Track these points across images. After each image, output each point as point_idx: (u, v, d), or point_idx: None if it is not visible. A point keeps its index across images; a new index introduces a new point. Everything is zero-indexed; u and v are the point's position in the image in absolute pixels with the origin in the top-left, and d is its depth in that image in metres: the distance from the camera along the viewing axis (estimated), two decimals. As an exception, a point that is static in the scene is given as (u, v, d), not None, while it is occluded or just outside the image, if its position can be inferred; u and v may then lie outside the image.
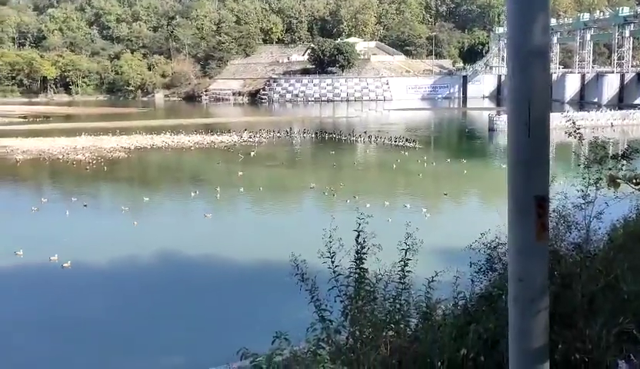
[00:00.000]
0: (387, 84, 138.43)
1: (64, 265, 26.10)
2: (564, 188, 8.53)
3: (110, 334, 19.88)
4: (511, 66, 2.38)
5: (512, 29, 2.35)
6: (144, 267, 26.83)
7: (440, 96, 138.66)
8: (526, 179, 2.37)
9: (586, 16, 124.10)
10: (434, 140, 78.05)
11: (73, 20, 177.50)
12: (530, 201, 2.36)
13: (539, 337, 2.43)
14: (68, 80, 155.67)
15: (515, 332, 2.46)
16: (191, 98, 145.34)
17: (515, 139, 2.37)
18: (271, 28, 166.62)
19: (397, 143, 66.09)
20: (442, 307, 9.09)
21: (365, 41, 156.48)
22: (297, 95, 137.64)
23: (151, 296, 23.17)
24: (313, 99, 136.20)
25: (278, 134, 75.31)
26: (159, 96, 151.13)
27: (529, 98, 2.32)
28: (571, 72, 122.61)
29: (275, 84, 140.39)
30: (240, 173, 48.61)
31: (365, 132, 73.98)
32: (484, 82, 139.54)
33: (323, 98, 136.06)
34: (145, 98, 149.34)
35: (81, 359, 18.36)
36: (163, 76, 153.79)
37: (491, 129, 76.84)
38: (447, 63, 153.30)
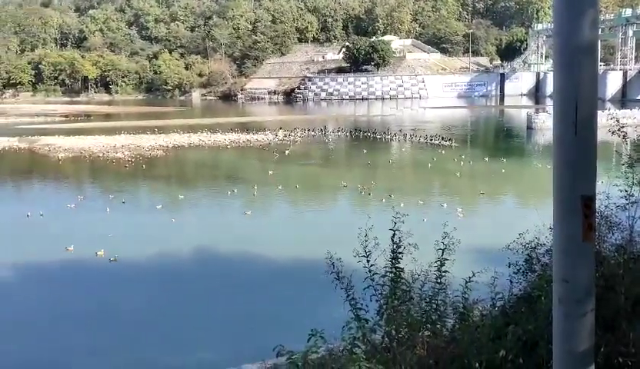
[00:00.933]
0: (422, 82, 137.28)
1: (111, 259, 26.85)
2: (606, 188, 8.34)
3: (150, 327, 20.36)
4: (558, 63, 2.33)
5: (559, 24, 2.30)
6: (182, 263, 27.28)
7: (477, 94, 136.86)
8: (572, 179, 2.32)
9: (628, 12, 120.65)
10: (470, 138, 77.03)
11: (113, 21, 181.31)
12: (576, 200, 2.31)
13: (584, 338, 2.38)
14: (108, 79, 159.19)
15: (560, 333, 2.41)
16: (228, 97, 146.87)
17: (562, 138, 2.32)
18: (307, 27, 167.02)
19: (433, 141, 65.46)
20: (480, 308, 8.99)
21: (400, 38, 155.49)
22: (331, 94, 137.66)
23: (189, 291, 23.54)
24: (348, 97, 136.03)
25: (313, 133, 75.43)
26: (196, 95, 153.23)
27: (576, 96, 2.27)
28: (612, 69, 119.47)
29: (310, 82, 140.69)
30: (270, 172, 48.87)
31: (400, 130, 73.52)
32: (522, 80, 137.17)
33: (358, 97, 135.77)
34: (182, 97, 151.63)
35: (122, 350, 18.84)
36: (200, 75, 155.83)
37: (530, 127, 75.52)
38: (484, 60, 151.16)
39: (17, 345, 19.59)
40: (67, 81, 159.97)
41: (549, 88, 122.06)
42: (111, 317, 21.42)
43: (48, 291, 24.33)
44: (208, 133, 74.44)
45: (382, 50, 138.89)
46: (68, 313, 22.03)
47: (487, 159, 54.11)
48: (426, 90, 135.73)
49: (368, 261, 8.86)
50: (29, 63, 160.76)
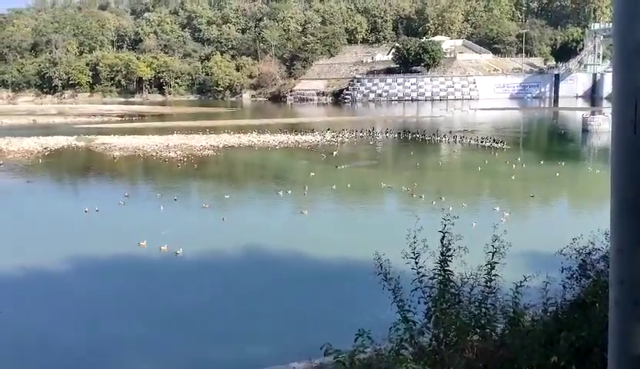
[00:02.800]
0: (474, 83, 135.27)
1: (177, 252, 27.63)
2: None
3: (201, 321, 20.77)
4: (617, 62, 2.29)
5: (619, 21, 2.26)
6: (234, 260, 27.70)
7: (530, 95, 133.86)
8: (630, 177, 2.27)
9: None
10: (523, 141, 75.37)
11: (167, 23, 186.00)
12: (634, 201, 2.26)
13: (642, 342, 2.32)
14: (161, 81, 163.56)
15: (615, 337, 2.37)
16: (277, 98, 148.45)
17: (620, 136, 2.28)
18: (356, 28, 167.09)
19: (484, 143, 64.36)
20: (531, 313, 8.82)
21: (451, 39, 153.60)
22: (380, 95, 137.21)
23: (239, 288, 23.85)
24: (396, 99, 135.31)
25: (361, 134, 75.31)
26: (246, 96, 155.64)
27: (636, 94, 2.23)
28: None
29: (359, 83, 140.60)
30: (312, 173, 48.95)
31: (450, 132, 72.60)
32: (577, 81, 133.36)
33: (407, 98, 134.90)
34: (233, 98, 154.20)
35: (175, 342, 19.32)
36: (250, 77, 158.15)
37: (585, 130, 73.39)
38: (538, 61, 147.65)
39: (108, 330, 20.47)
40: (122, 82, 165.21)
41: (606, 89, 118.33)
42: (168, 309, 21.99)
43: (131, 282, 25.22)
44: (258, 134, 75.40)
45: (432, 50, 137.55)
46: (146, 302, 22.99)
47: (542, 162, 52.77)
48: (477, 91, 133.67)
49: (416, 263, 8.83)
50: (87, 64, 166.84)
